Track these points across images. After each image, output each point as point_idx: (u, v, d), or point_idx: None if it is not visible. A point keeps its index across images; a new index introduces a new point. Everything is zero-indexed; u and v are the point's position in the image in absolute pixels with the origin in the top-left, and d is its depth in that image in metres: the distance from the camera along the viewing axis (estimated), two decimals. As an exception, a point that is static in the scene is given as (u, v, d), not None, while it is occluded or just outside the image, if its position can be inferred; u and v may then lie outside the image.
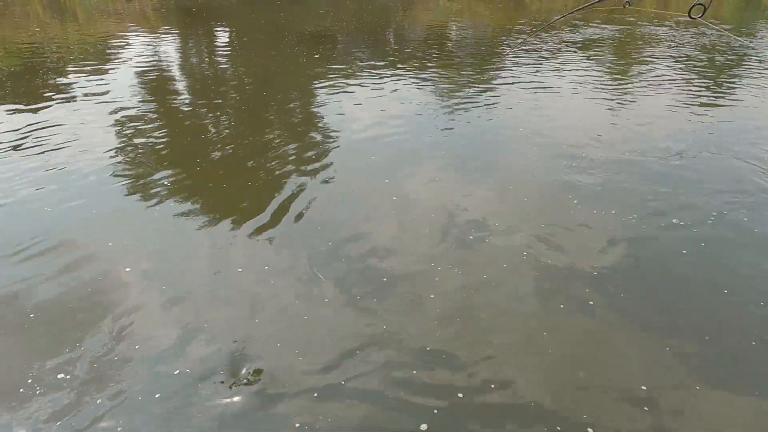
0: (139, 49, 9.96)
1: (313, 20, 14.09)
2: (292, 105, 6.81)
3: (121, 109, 6.38)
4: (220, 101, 6.96)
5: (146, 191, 4.33)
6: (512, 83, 7.69)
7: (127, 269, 3.31)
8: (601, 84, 7.74)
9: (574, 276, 3.32)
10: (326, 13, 15.62)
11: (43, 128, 5.64)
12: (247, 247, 3.59)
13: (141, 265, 3.37)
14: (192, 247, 3.60)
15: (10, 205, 4.09)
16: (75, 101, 6.63)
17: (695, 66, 8.79)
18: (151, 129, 5.75)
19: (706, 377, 2.60)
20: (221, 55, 10.04)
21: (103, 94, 6.98)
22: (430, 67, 8.78)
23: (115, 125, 5.83)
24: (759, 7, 17.65)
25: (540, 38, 11.22)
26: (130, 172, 4.68)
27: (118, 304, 3.01)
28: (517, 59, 9.25)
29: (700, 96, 7.16)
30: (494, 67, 8.87)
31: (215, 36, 12.09)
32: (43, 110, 6.24)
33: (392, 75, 8.15)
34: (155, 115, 6.23)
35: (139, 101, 6.73)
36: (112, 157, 4.99)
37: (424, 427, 2.31)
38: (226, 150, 5.24)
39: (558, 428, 2.32)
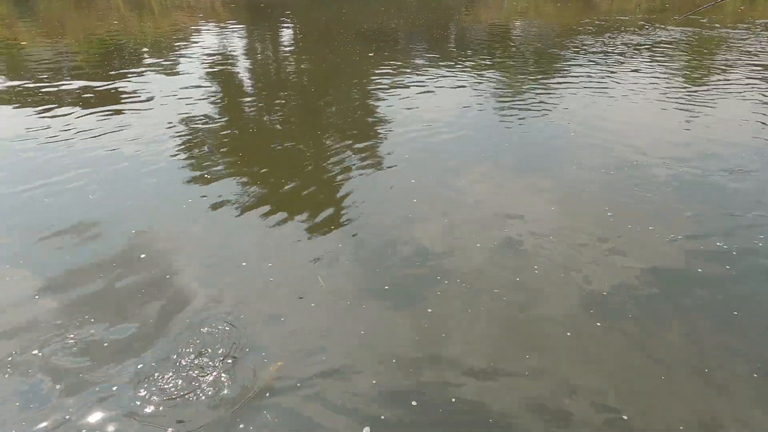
0: (207, 42, 10.43)
1: (373, 17, 14.22)
2: (346, 102, 6.93)
3: (187, 98, 6.72)
4: (276, 96, 7.18)
5: (203, 180, 4.55)
6: (575, 87, 7.46)
7: (180, 256, 3.51)
8: (668, 90, 7.35)
9: (618, 293, 3.21)
10: (387, 10, 15.71)
11: (112, 113, 6.04)
12: (295, 240, 3.70)
13: (194, 249, 3.56)
14: (243, 242, 3.75)
15: (57, 185, 4.42)
16: (144, 89, 7.05)
17: (774, 74, 8.18)
18: (213, 119, 6.02)
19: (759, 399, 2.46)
20: (280, 51, 10.34)
21: (170, 82, 7.38)
22: (490, 67, 8.67)
23: (180, 113, 6.15)
24: None
25: (604, 40, 10.79)
26: (190, 161, 4.93)
27: (175, 290, 3.20)
28: (580, 62, 8.96)
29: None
30: (557, 69, 8.62)
31: (277, 31, 12.46)
32: (114, 96, 6.68)
33: (449, 75, 8.10)
34: (217, 106, 6.52)
35: (203, 91, 7.05)
36: (176, 143, 5.27)
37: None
38: (280, 144, 5.42)
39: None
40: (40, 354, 2.67)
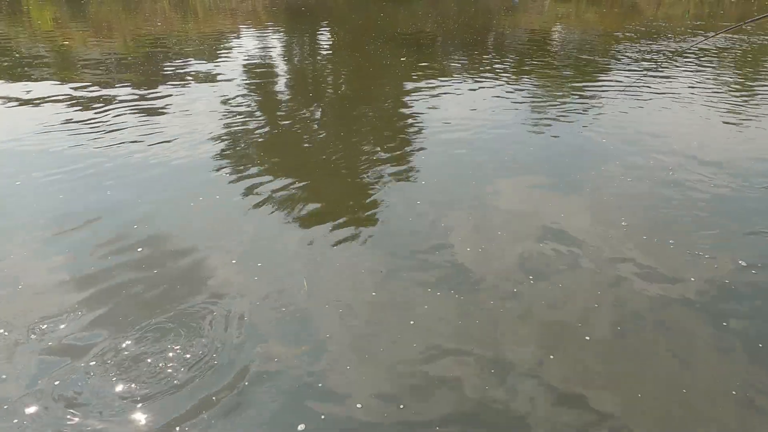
0: (247, 44, 10.67)
1: (411, 21, 14.25)
2: (380, 106, 6.97)
3: (226, 98, 6.88)
4: (312, 99, 7.29)
5: (240, 179, 4.66)
6: (616, 94, 7.29)
7: (217, 256, 3.61)
8: (713, 100, 7.12)
9: (654, 312, 3.14)
10: (426, 14, 15.72)
11: (154, 113, 6.25)
12: (332, 242, 3.75)
13: (231, 248, 3.66)
14: (279, 244, 3.82)
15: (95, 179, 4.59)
16: (185, 89, 7.26)
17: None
18: (251, 120, 6.15)
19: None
20: (317, 54, 10.48)
21: (211, 83, 7.58)
22: (528, 73, 8.57)
23: (218, 114, 6.31)
24: None
25: (647, 47, 10.51)
26: (228, 162, 5.05)
27: (215, 288, 3.30)
28: (622, 69, 8.76)
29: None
30: (597, 76, 8.46)
31: (315, 35, 12.63)
32: (156, 95, 6.90)
33: (487, 80, 8.05)
34: (255, 107, 6.66)
35: (243, 93, 7.21)
36: (213, 143, 5.41)
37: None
38: (316, 146, 5.50)
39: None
40: (63, 341, 2.79)
